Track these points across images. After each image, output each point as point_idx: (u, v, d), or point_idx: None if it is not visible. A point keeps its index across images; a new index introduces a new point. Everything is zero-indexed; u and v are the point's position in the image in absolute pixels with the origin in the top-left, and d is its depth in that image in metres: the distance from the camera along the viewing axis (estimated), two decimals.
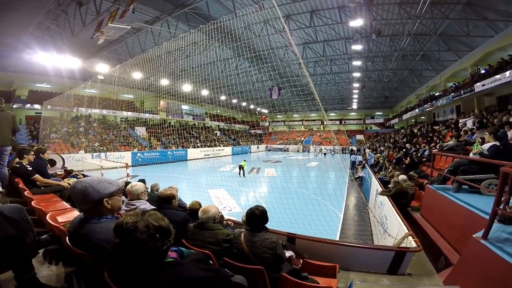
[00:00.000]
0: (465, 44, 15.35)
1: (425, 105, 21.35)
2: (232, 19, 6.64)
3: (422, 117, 25.28)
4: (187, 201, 4.34)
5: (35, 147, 4.94)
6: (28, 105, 20.55)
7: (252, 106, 34.84)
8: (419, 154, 9.13)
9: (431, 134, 13.43)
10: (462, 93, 15.29)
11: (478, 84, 13.39)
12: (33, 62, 16.31)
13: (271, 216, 2.29)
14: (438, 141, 9.95)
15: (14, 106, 20.07)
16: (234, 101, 28.73)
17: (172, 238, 1.11)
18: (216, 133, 37.18)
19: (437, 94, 20.35)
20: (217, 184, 12.45)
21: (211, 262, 1.78)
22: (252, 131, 43.37)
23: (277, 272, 2.02)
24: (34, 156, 4.34)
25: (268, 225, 2.49)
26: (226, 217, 3.36)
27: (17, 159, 4.12)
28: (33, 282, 1.68)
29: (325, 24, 15.36)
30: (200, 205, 3.25)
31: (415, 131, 18.35)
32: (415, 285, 2.73)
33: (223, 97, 25.69)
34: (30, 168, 4.02)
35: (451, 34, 14.66)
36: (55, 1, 11.62)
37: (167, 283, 1.01)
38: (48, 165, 4.92)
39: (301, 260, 2.50)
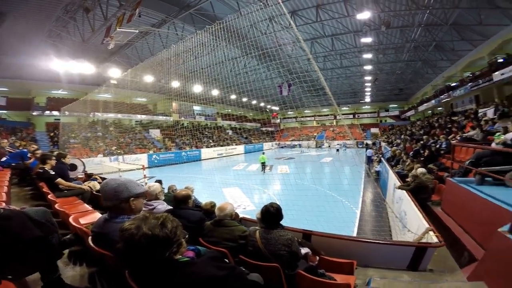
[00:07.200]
0: (479, 33, 14.66)
1: (442, 96, 20.67)
2: (237, 18, 6.62)
3: (439, 108, 24.40)
4: (202, 200, 4.40)
5: (55, 153, 5.09)
6: (47, 112, 21.32)
7: (262, 104, 34.74)
8: (437, 146, 8.81)
9: (449, 125, 12.94)
10: (480, 82, 14.69)
11: (496, 73, 12.86)
12: (49, 69, 16.67)
13: (286, 213, 2.28)
14: (457, 132, 9.54)
15: (34, 113, 20.96)
16: (244, 99, 28.77)
17: (176, 244, 1.07)
18: (228, 132, 37.36)
19: (453, 84, 19.58)
20: (231, 183, 12.54)
21: (226, 260, 1.79)
22: (264, 129, 43.38)
23: (293, 269, 2.01)
24: (56, 161, 4.49)
25: (282, 223, 2.48)
26: (240, 215, 3.38)
27: (40, 165, 4.27)
28: (58, 282, 1.74)
29: (332, 18, 15.11)
30: (212, 206, 3.29)
31: (433, 122, 17.72)
32: (437, 281, 2.65)
33: (233, 96, 25.78)
34: (53, 173, 4.17)
35: (463, 23, 14.06)
36: (63, 8, 11.88)
37: (182, 283, 1.01)
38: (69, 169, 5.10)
39: (317, 257, 2.48)
